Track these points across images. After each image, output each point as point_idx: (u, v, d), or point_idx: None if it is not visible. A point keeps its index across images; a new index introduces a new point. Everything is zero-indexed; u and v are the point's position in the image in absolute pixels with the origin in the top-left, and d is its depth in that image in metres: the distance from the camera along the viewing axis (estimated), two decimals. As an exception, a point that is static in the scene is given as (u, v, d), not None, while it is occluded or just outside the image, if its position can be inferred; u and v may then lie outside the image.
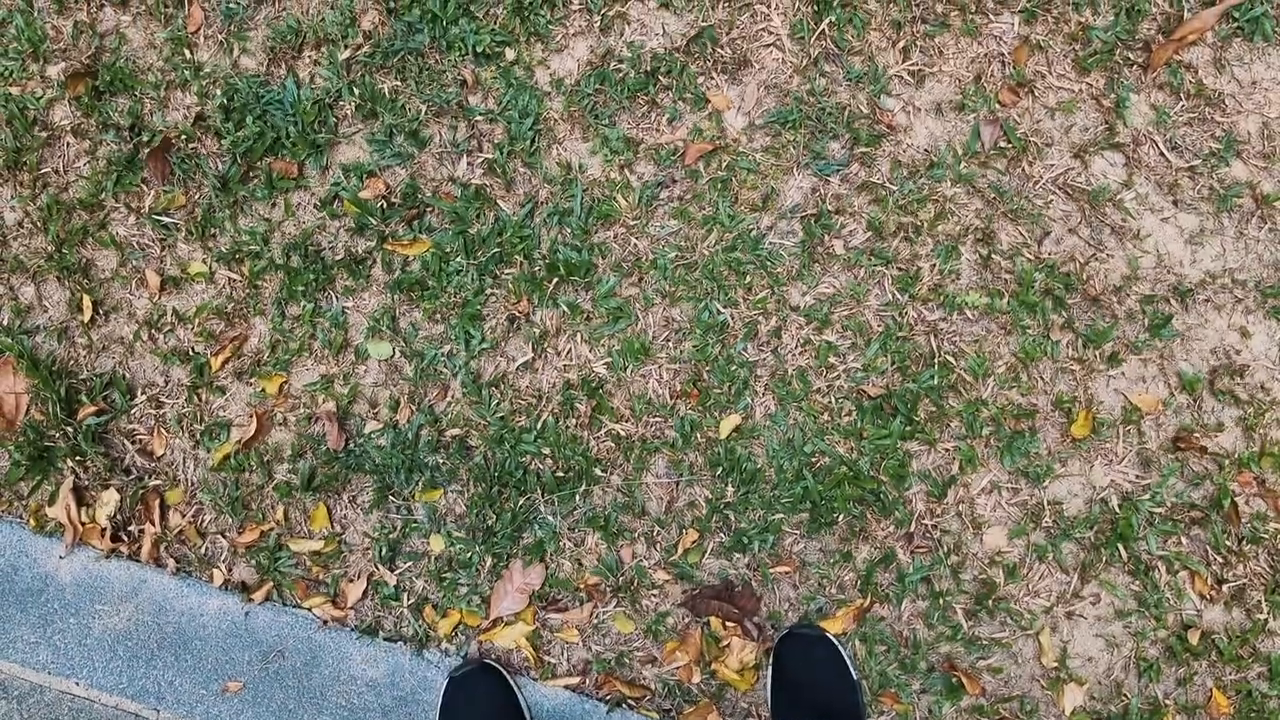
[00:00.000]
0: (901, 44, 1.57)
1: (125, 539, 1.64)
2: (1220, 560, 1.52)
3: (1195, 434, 1.53)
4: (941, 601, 1.54)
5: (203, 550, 1.64)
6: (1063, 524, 1.54)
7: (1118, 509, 1.53)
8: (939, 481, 1.54)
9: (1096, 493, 1.54)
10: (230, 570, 1.64)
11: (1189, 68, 1.54)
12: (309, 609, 1.62)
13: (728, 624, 1.56)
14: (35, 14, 1.66)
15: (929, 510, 1.55)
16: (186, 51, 1.64)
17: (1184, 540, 1.53)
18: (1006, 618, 1.54)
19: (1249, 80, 1.54)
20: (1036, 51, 1.56)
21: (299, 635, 1.61)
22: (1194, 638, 1.51)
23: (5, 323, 1.66)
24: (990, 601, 1.54)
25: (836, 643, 1.51)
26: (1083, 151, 1.55)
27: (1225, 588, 1.52)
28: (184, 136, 1.63)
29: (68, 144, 1.66)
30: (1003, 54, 1.56)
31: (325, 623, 1.61)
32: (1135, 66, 1.55)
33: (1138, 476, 1.53)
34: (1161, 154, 1.54)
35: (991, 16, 1.56)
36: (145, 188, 1.64)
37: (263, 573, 1.63)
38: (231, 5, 1.63)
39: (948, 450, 1.55)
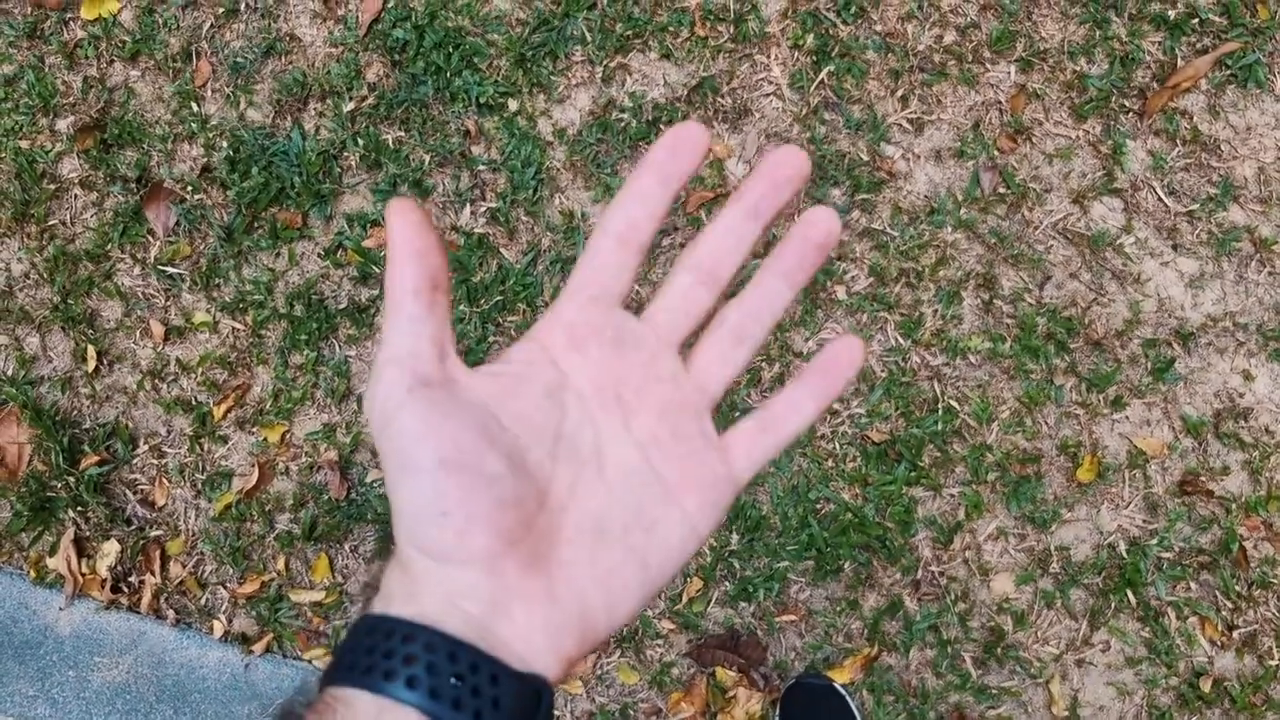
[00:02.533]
0: (900, 92, 1.59)
1: (125, 590, 1.63)
2: (1231, 606, 1.51)
3: (1201, 478, 1.52)
4: (950, 650, 1.52)
5: (203, 601, 1.63)
6: (1070, 570, 1.52)
7: (1125, 554, 1.52)
8: (945, 527, 1.53)
9: (1104, 538, 1.53)
10: (230, 621, 1.62)
11: (1184, 114, 1.56)
12: (310, 661, 1.60)
13: (734, 674, 1.54)
14: (46, 69, 1.68)
15: (935, 557, 1.54)
16: (194, 105, 1.66)
17: (1193, 585, 1.52)
18: (1016, 666, 1.52)
19: (1244, 126, 1.55)
20: (1033, 99, 1.58)
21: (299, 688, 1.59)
22: (1206, 685, 1.49)
23: (10, 373, 1.66)
24: (999, 649, 1.52)
25: (844, 692, 1.49)
26: (1082, 197, 1.56)
27: (1236, 634, 1.51)
28: (189, 188, 1.64)
29: (75, 196, 1.67)
30: (1000, 102, 1.58)
31: (326, 675, 1.59)
32: (1131, 113, 1.56)
33: (1145, 521, 1.53)
34: (1160, 199, 1.55)
35: (988, 65, 1.59)
36: (151, 239, 1.65)
37: (263, 624, 1.61)
38: (239, 59, 1.66)
39: (953, 496, 1.54)
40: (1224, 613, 1.51)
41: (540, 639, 0.34)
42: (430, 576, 0.34)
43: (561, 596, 0.35)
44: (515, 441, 0.36)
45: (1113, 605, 1.52)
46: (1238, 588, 1.51)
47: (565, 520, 0.36)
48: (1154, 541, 1.51)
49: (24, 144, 1.67)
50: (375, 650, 0.33)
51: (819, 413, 0.39)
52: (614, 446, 0.38)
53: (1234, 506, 1.51)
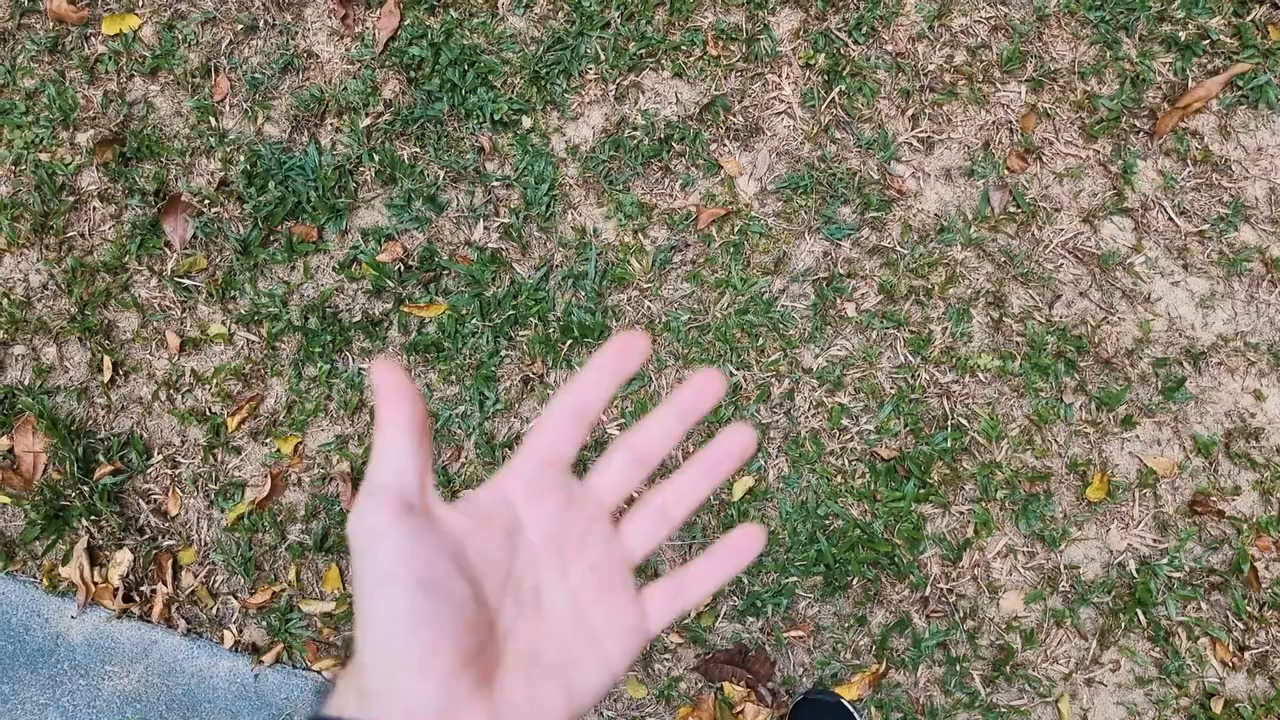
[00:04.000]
0: (910, 112, 1.60)
1: (137, 599, 1.64)
2: (1242, 626, 1.50)
3: (1212, 497, 1.52)
4: (958, 667, 1.52)
5: (214, 611, 1.64)
6: (1080, 588, 1.52)
7: (1135, 573, 1.51)
8: (954, 545, 1.53)
9: (1114, 557, 1.52)
10: (241, 632, 1.63)
11: (1195, 134, 1.56)
12: (319, 672, 1.61)
13: (741, 689, 1.54)
14: (67, 84, 1.71)
15: (944, 574, 1.54)
16: (212, 119, 1.68)
17: (1204, 605, 1.51)
18: (1025, 684, 1.52)
19: (1254, 147, 1.56)
20: (1044, 119, 1.58)
21: (309, 699, 1.59)
22: (1217, 706, 1.49)
23: (27, 383, 1.68)
24: (1008, 668, 1.51)
25: (852, 709, 1.49)
26: (1092, 216, 1.56)
27: (1247, 655, 1.50)
28: (206, 201, 1.66)
29: (94, 208, 1.69)
30: (1010, 121, 1.59)
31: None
32: (1142, 133, 1.57)
33: (1155, 540, 1.52)
34: (1170, 219, 1.56)
35: (999, 85, 1.60)
36: (168, 251, 1.67)
37: (273, 634, 1.62)
38: (257, 75, 1.68)
39: (962, 513, 1.54)
40: (1235, 633, 1.51)
41: None
42: (387, 685, 0.37)
43: (501, 716, 0.39)
44: (476, 572, 0.41)
45: (1123, 624, 1.51)
46: (1249, 608, 1.50)
47: (506, 649, 0.41)
48: (1164, 561, 1.51)
49: (44, 156, 1.69)
50: None
51: (725, 582, 0.45)
52: (551, 591, 0.43)
53: (1245, 526, 1.51)
